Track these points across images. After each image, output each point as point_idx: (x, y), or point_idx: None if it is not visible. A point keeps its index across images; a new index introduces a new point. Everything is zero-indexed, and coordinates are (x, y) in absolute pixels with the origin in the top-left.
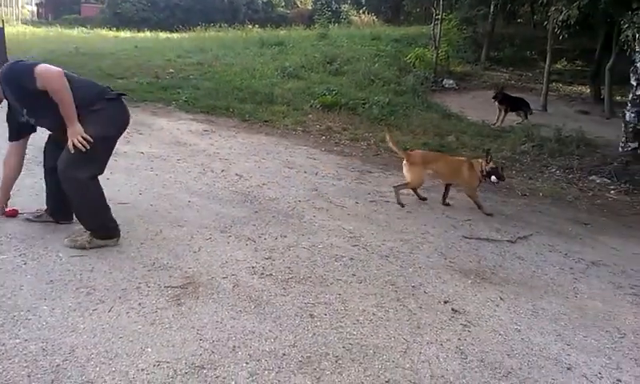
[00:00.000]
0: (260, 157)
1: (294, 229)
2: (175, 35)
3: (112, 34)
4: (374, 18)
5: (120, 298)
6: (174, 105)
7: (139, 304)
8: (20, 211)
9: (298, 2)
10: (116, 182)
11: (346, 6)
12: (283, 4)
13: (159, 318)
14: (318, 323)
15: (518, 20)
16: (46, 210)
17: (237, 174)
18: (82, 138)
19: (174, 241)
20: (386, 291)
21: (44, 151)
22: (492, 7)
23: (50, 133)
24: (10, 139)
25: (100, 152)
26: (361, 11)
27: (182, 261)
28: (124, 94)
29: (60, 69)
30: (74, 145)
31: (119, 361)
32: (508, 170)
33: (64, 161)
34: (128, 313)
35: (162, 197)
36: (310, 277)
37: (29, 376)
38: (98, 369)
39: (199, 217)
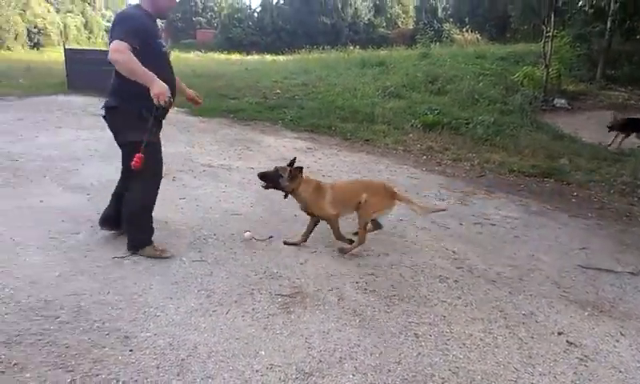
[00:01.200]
0: (361, 175)
1: (396, 247)
2: (281, 57)
3: (223, 56)
4: (478, 36)
5: (236, 302)
6: (280, 123)
7: (253, 309)
8: None
9: (399, 23)
10: (230, 194)
11: (449, 24)
12: (384, 25)
13: (271, 323)
14: (423, 343)
15: (638, 36)
16: None
17: None
18: None
19: (283, 252)
20: (493, 317)
21: None
22: (609, 23)
23: None
24: None
25: None
26: (464, 30)
27: (290, 271)
28: None
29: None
30: None
31: (236, 360)
32: (629, 197)
33: None
34: (243, 316)
35: (271, 210)
36: (413, 296)
37: (157, 367)
38: (217, 366)
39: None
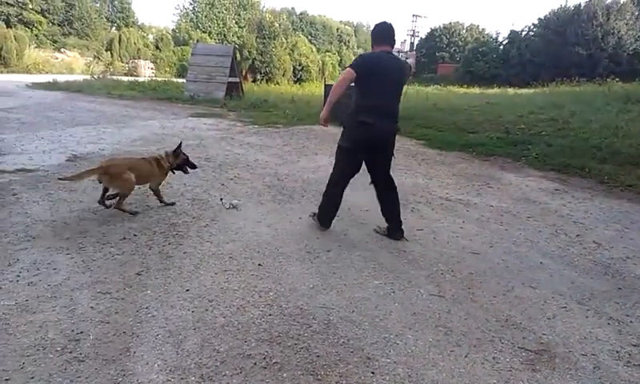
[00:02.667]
0: (622, 225)
1: None
2: (524, 90)
3: (462, 90)
4: None
5: (475, 346)
6: (523, 160)
7: (493, 358)
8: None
9: None
10: (468, 231)
11: None
12: None
13: (514, 378)
14: None
15: None
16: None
17: (594, 242)
18: None
19: (527, 301)
20: None
21: None
22: None
23: None
24: None
25: None
26: None
27: (536, 324)
28: None
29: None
30: None
31: None
32: None
33: None
34: (483, 364)
35: (512, 253)
36: None
37: None
38: None
39: (552, 281)
